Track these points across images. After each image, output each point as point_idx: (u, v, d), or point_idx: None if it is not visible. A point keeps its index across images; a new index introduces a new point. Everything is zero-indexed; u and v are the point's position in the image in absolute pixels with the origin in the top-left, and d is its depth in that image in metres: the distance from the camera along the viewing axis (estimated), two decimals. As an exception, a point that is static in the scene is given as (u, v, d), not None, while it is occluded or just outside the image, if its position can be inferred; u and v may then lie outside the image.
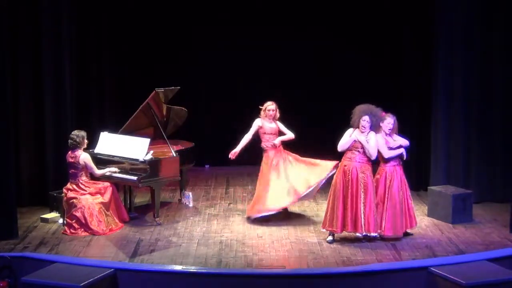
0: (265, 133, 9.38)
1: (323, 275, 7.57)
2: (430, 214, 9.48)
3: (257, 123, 9.40)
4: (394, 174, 8.43)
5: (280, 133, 9.46)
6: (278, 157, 9.38)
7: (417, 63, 10.63)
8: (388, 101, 11.52)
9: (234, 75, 12.03)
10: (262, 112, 9.41)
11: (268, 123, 9.39)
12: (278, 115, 9.44)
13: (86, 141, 9.15)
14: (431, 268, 7.49)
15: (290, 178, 9.27)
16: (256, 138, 9.49)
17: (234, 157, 9.38)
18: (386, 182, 8.41)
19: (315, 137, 12.01)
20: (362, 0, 11.82)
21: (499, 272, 7.42)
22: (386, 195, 8.39)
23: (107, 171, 9.21)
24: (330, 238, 8.56)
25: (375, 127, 8.40)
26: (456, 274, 7.25)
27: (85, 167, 9.06)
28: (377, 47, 11.82)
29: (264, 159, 9.43)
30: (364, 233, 8.40)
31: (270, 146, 9.38)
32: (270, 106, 9.37)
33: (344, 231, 8.48)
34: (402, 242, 8.47)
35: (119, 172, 9.31)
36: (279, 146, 9.42)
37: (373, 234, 8.39)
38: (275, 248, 8.38)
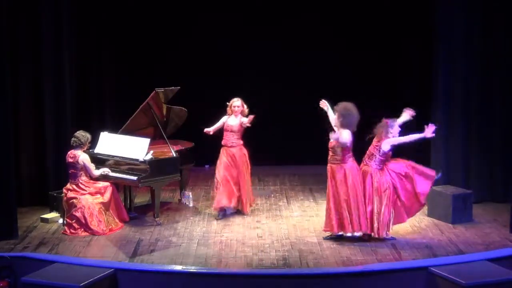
0: (225, 129, 9.62)
1: (323, 275, 7.57)
2: (430, 214, 9.48)
3: (222, 119, 9.65)
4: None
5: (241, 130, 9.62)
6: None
7: (417, 63, 10.64)
8: (388, 101, 11.60)
9: (234, 75, 12.03)
10: (228, 109, 9.61)
11: (232, 119, 9.59)
12: (246, 111, 9.58)
13: (89, 144, 9.18)
14: (431, 268, 7.50)
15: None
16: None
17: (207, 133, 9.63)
18: (373, 183, 8.45)
19: (315, 136, 12.01)
20: (363, 1, 11.81)
21: (499, 272, 7.42)
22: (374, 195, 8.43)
23: (101, 171, 9.21)
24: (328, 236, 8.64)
25: (347, 125, 8.39)
26: (456, 274, 7.25)
27: (84, 168, 9.07)
28: (378, 47, 11.81)
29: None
30: (340, 233, 8.51)
31: (225, 144, 9.61)
32: (235, 102, 9.57)
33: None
34: (402, 242, 8.47)
35: (119, 172, 9.31)
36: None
37: (349, 233, 8.47)
38: (275, 248, 8.38)
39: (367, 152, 8.57)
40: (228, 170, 9.51)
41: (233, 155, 9.53)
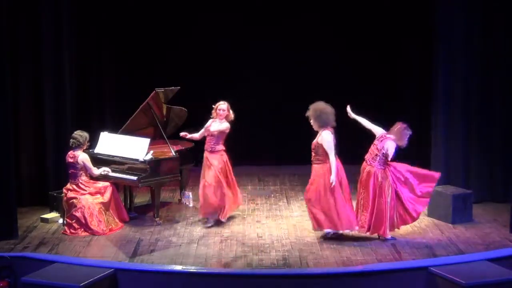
0: (206, 133, 9.19)
1: (323, 275, 7.57)
2: (430, 214, 9.47)
3: (208, 123, 9.19)
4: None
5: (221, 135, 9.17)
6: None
7: (417, 63, 10.64)
8: (388, 101, 11.60)
9: (234, 75, 12.03)
10: (213, 112, 9.20)
11: (215, 123, 9.16)
12: (232, 116, 9.18)
13: (88, 143, 9.18)
14: (431, 268, 7.50)
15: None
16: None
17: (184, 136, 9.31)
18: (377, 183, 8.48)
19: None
20: (363, 1, 11.81)
21: (499, 272, 7.42)
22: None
23: (101, 170, 9.22)
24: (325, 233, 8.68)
25: (324, 124, 8.44)
26: (456, 274, 7.25)
27: (84, 167, 9.07)
28: (378, 47, 11.81)
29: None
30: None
31: (206, 149, 9.22)
32: (221, 105, 9.16)
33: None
34: (402, 242, 8.47)
35: (119, 172, 9.31)
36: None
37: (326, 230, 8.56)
38: (275, 248, 8.38)
39: (369, 151, 8.57)
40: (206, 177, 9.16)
41: (211, 162, 9.15)
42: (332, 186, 8.30)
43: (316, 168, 8.50)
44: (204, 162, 9.27)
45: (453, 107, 10.00)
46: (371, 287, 7.55)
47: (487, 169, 10.10)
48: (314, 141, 8.49)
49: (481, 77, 9.93)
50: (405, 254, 8.08)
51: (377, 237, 8.53)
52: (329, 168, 8.35)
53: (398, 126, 8.47)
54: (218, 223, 9.24)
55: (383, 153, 8.41)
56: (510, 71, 9.87)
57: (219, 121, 9.17)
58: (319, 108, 8.44)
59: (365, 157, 8.61)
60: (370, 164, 8.50)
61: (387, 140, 8.44)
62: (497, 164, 10.08)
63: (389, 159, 8.47)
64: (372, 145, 8.58)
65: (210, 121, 9.23)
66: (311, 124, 8.50)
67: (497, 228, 8.99)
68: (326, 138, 8.37)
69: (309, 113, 8.48)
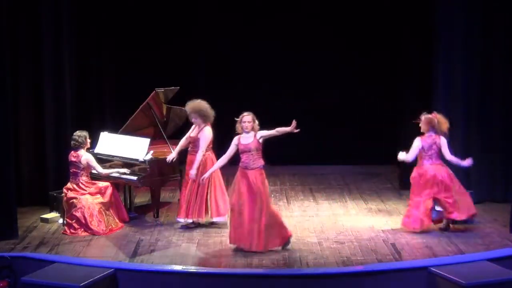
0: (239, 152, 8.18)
1: (323, 275, 7.56)
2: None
3: (234, 141, 8.18)
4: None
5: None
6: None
7: (417, 63, 10.63)
8: (388, 101, 11.59)
9: (235, 74, 12.04)
10: (237, 125, 8.18)
11: (244, 139, 8.17)
12: (257, 127, 8.21)
13: (89, 140, 9.15)
14: (431, 268, 7.49)
15: None
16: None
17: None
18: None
19: (314, 136, 12.02)
20: (363, 1, 11.82)
21: (499, 272, 7.42)
22: None
23: (115, 171, 9.20)
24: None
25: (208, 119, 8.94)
26: (456, 274, 7.25)
27: (87, 167, 9.06)
28: (378, 47, 11.82)
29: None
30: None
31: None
32: (246, 117, 8.14)
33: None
34: (402, 242, 8.46)
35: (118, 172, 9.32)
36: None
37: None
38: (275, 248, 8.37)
39: (430, 154, 8.75)
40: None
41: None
42: (191, 177, 8.78)
43: (192, 158, 8.87)
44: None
45: (453, 107, 9.99)
46: (371, 287, 7.55)
47: (487, 169, 10.10)
48: (194, 134, 8.93)
49: (481, 77, 9.93)
50: (405, 254, 8.08)
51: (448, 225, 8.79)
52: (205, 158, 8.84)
53: (423, 118, 8.71)
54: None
55: (439, 148, 8.65)
56: (510, 71, 9.87)
57: (245, 135, 8.17)
58: (199, 106, 8.92)
59: (425, 161, 8.72)
60: (440, 163, 8.70)
61: (440, 137, 8.69)
62: (497, 164, 10.08)
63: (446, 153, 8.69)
64: (428, 147, 8.73)
65: (236, 139, 8.19)
66: (193, 122, 8.91)
67: (497, 228, 8.98)
68: (205, 134, 8.86)
69: (191, 112, 8.91)
